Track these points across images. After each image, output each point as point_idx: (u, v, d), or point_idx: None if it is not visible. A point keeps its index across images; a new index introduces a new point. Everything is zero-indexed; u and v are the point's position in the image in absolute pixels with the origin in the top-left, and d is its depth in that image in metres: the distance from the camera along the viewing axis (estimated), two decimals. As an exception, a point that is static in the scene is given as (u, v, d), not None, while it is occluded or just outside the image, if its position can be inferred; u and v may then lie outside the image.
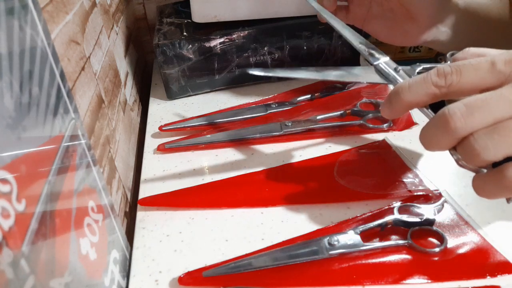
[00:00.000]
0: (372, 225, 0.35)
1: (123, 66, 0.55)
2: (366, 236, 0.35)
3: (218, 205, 0.40)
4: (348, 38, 0.40)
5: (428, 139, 0.28)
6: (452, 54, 0.35)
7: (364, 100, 0.53)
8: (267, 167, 0.45)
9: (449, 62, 0.36)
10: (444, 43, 0.47)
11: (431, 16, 0.44)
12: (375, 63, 0.37)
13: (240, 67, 0.59)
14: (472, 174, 0.29)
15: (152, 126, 0.54)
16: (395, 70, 0.36)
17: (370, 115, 0.50)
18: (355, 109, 0.51)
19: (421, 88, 0.29)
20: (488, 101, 0.26)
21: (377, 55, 0.37)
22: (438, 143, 0.28)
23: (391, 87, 0.35)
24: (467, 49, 0.33)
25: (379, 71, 0.36)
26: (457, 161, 0.28)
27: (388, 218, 0.36)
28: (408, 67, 0.36)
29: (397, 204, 0.37)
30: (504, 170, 0.26)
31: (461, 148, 0.27)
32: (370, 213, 0.37)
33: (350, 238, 0.34)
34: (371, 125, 0.49)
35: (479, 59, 0.27)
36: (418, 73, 0.36)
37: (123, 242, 0.36)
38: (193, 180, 0.44)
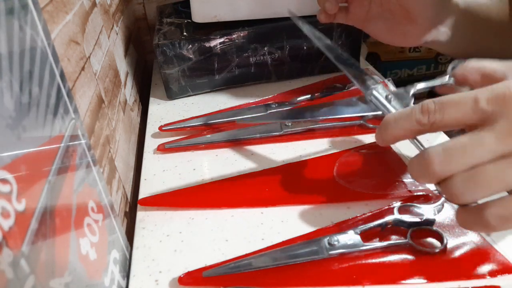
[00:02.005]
0: (372, 225, 0.35)
1: (123, 66, 0.55)
2: (366, 236, 0.35)
3: (218, 205, 0.40)
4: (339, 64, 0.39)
5: (414, 175, 0.29)
6: (453, 68, 0.35)
7: (364, 100, 0.53)
8: (267, 167, 0.45)
9: (448, 76, 0.36)
10: (444, 44, 0.47)
11: (430, 17, 0.44)
12: (367, 92, 0.36)
13: (240, 67, 0.59)
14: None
15: (152, 126, 0.54)
16: (387, 98, 0.35)
17: (370, 115, 0.50)
18: (355, 109, 0.51)
19: (405, 124, 0.29)
20: (466, 147, 0.26)
21: (368, 82, 0.36)
22: (422, 180, 0.29)
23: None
24: (467, 63, 0.34)
25: (372, 102, 0.36)
26: (441, 194, 0.28)
27: (388, 218, 0.36)
28: (402, 90, 0.36)
29: (397, 204, 0.37)
30: (483, 210, 0.26)
31: (443, 188, 0.27)
32: (370, 213, 0.37)
33: (350, 238, 0.34)
34: (371, 125, 0.49)
35: (463, 95, 0.27)
36: (413, 95, 0.35)
37: (123, 242, 0.36)
38: (193, 180, 0.44)
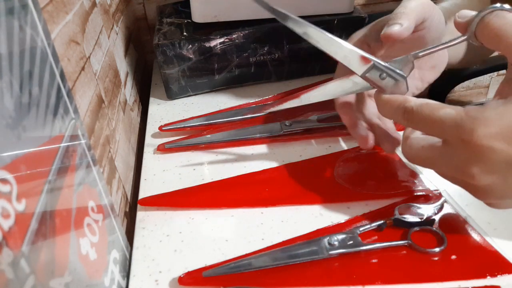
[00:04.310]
0: (372, 225, 0.35)
1: (123, 66, 0.55)
2: (366, 236, 0.35)
3: (218, 205, 0.40)
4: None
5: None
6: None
7: (364, 100, 0.53)
8: (267, 167, 0.45)
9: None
10: (453, 65, 0.46)
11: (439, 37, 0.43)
12: (361, 74, 0.36)
13: (240, 67, 0.59)
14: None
15: (152, 126, 0.54)
16: (381, 77, 0.35)
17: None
18: (355, 109, 0.51)
19: (390, 114, 0.34)
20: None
21: (361, 63, 0.35)
22: None
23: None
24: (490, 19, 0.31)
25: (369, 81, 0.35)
26: None
27: (388, 218, 0.36)
28: (403, 57, 0.35)
29: (397, 204, 0.37)
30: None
31: None
32: (370, 213, 0.37)
33: (350, 238, 0.34)
34: (371, 125, 0.49)
35: (434, 120, 0.30)
36: (412, 60, 0.35)
37: (123, 242, 0.36)
38: (193, 180, 0.44)
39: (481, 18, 0.31)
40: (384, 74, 0.35)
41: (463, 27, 0.32)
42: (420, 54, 0.35)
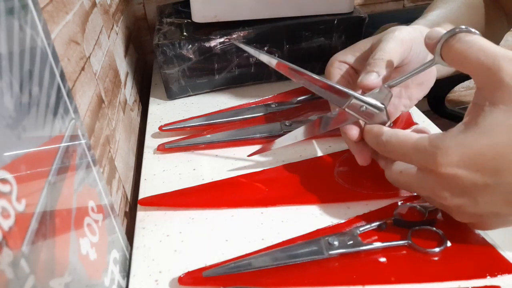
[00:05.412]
0: (372, 225, 0.35)
1: (123, 66, 0.55)
2: (366, 236, 0.35)
3: (218, 205, 0.40)
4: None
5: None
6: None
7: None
8: (267, 167, 0.45)
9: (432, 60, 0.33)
10: (442, 75, 0.46)
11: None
12: (342, 107, 0.37)
13: (240, 67, 0.59)
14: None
15: (152, 126, 0.54)
16: (361, 109, 0.36)
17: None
18: (355, 109, 0.51)
19: (370, 142, 0.36)
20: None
21: (342, 97, 0.37)
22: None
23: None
24: (455, 42, 0.31)
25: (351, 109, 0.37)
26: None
27: (388, 218, 0.36)
28: (377, 90, 0.36)
29: (397, 204, 0.37)
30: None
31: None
32: (370, 213, 0.37)
33: (350, 238, 0.34)
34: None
35: (402, 151, 0.32)
36: (389, 88, 0.37)
37: (123, 242, 0.36)
38: (193, 180, 0.44)
39: (444, 42, 0.31)
40: (364, 106, 0.36)
41: (432, 48, 0.33)
42: (392, 83, 0.36)
